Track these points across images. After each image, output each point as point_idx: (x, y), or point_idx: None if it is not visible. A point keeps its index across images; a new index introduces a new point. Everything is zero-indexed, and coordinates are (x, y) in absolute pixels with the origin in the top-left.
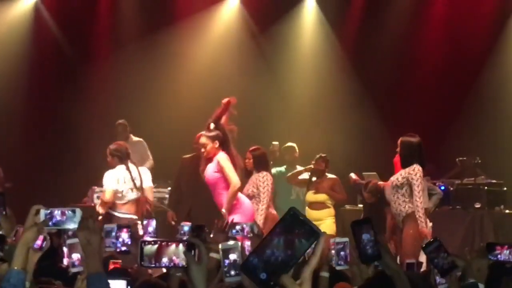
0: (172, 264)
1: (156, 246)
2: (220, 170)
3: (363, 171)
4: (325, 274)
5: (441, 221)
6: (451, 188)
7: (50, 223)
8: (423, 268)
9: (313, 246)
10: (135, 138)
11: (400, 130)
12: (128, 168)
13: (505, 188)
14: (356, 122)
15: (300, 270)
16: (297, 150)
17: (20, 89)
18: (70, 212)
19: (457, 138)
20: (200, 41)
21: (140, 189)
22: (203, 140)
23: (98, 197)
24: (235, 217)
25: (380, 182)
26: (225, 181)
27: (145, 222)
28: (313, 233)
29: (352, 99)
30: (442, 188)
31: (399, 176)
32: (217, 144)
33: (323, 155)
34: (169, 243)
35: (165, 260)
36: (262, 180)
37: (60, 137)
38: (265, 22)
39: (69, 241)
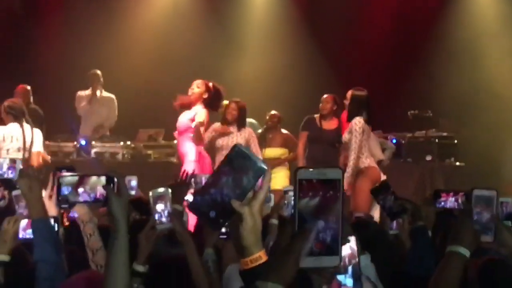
0: (93, 197)
1: (76, 178)
2: (193, 120)
3: None
4: (274, 221)
5: (393, 174)
6: (403, 141)
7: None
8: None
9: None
10: (106, 94)
11: (352, 84)
12: (22, 127)
13: (456, 141)
14: (307, 79)
15: (249, 204)
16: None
17: None
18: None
19: (409, 93)
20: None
21: (29, 150)
22: (198, 82)
23: (49, 153)
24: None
25: None
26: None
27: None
28: (260, 168)
29: (306, 60)
30: (394, 141)
31: (346, 133)
32: (205, 95)
33: (274, 112)
34: (88, 177)
35: (85, 194)
36: (253, 137)
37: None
38: None
39: (14, 193)
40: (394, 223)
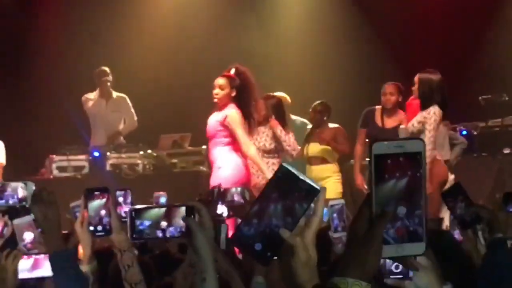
0: (174, 233)
1: (161, 212)
2: (226, 126)
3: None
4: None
5: (465, 171)
6: (475, 133)
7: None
8: (445, 225)
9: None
10: (116, 94)
11: (413, 70)
12: None
13: None
14: (360, 62)
15: (301, 234)
16: (289, 100)
17: None
18: (22, 185)
19: (477, 75)
20: None
21: None
22: (220, 81)
23: (57, 168)
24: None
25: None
26: (226, 134)
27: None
28: (312, 190)
29: (353, 36)
30: (464, 133)
31: (414, 121)
32: (233, 93)
33: (321, 101)
34: (169, 209)
35: (168, 228)
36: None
37: (11, 102)
38: None
39: (15, 222)
40: (457, 232)
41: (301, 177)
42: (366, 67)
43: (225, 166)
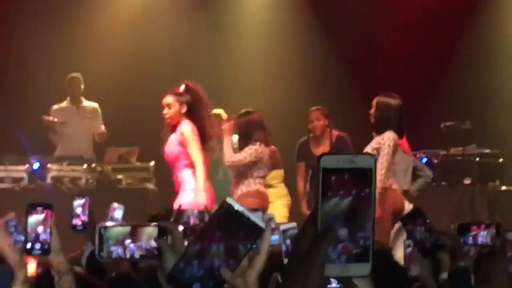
0: (143, 253)
1: (127, 229)
2: (183, 143)
3: None
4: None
5: (424, 200)
6: (435, 161)
7: None
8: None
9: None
10: (87, 103)
11: (375, 94)
12: None
13: (501, 160)
14: (320, 84)
15: (243, 275)
16: (225, 117)
17: None
18: None
19: (440, 101)
20: None
21: None
22: (168, 99)
23: None
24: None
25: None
26: (187, 157)
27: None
28: (257, 228)
29: (314, 56)
30: (425, 160)
31: (369, 147)
32: (184, 109)
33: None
34: (137, 228)
35: (135, 248)
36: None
37: None
38: None
39: None
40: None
41: (246, 214)
42: (328, 86)
43: (198, 189)
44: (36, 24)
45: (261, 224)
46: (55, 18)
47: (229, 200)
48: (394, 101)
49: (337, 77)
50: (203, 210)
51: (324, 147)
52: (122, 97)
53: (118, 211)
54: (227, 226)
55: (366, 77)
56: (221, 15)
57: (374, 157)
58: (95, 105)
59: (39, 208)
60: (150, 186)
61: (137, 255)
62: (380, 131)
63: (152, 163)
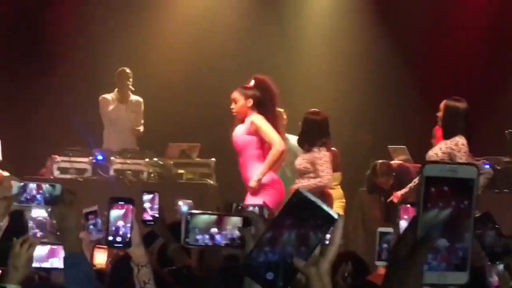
0: (228, 242)
1: (213, 218)
2: (255, 131)
3: (389, 143)
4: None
5: (485, 208)
6: (498, 167)
7: (22, 198)
8: None
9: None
10: (134, 97)
11: (437, 97)
12: None
13: None
14: (383, 85)
15: (316, 264)
16: (285, 116)
17: None
18: (48, 186)
19: (505, 107)
20: None
21: None
22: (234, 94)
23: (59, 168)
24: (265, 199)
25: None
26: (258, 144)
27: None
28: (329, 218)
29: (378, 59)
30: (487, 167)
31: (438, 151)
32: (250, 103)
33: None
34: (223, 217)
35: (220, 236)
36: (319, 156)
37: (14, 93)
38: None
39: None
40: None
41: (318, 204)
42: (391, 88)
43: (268, 183)
44: (102, 23)
45: (334, 214)
46: (121, 16)
47: (302, 190)
48: (462, 105)
49: (400, 78)
50: (263, 205)
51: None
52: (185, 94)
53: (185, 207)
54: (300, 214)
55: (429, 80)
56: (286, 12)
57: (478, 168)
58: (140, 99)
59: (121, 203)
60: (210, 181)
61: (222, 243)
62: (448, 135)
63: (213, 159)
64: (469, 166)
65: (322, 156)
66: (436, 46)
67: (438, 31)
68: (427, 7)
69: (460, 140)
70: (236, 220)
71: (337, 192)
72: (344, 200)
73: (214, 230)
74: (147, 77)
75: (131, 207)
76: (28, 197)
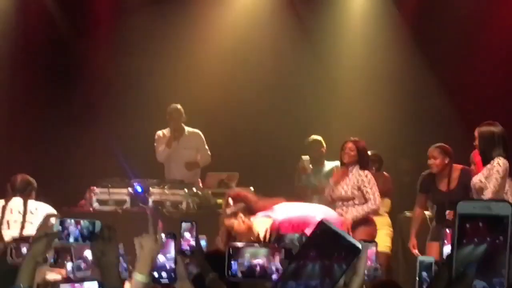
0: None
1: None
2: None
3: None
4: None
5: None
6: None
7: (63, 235)
8: None
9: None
10: (189, 129)
11: (475, 117)
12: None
13: None
14: (419, 108)
15: None
16: (324, 144)
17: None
18: (87, 223)
19: None
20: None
21: None
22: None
23: (98, 200)
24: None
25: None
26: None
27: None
28: (353, 248)
29: (413, 81)
30: None
31: (481, 177)
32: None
33: (372, 152)
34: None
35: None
36: (367, 180)
37: (54, 124)
38: None
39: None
40: None
41: (342, 234)
42: (423, 106)
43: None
44: (141, 55)
45: (358, 244)
46: (159, 50)
47: (325, 221)
48: (496, 129)
49: (436, 104)
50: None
51: (447, 181)
52: (222, 123)
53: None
54: (323, 246)
55: (464, 100)
56: (320, 37)
57: (510, 204)
58: (197, 132)
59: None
60: None
61: (265, 276)
62: (487, 161)
63: (251, 188)
64: (503, 202)
65: (370, 179)
66: (470, 61)
67: (471, 44)
68: (462, 26)
69: (496, 160)
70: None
71: (384, 220)
72: (391, 229)
73: (257, 261)
74: (184, 107)
75: (175, 240)
76: (67, 233)
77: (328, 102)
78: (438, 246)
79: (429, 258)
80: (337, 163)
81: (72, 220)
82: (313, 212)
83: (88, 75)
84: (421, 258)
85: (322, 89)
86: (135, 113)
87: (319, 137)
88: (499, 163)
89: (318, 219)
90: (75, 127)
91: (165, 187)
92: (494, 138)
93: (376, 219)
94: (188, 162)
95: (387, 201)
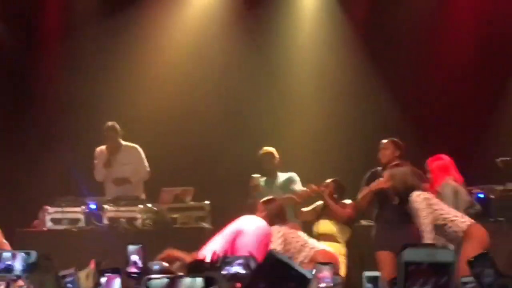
0: None
1: (165, 281)
2: None
3: None
4: None
5: None
6: (492, 196)
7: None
8: None
9: None
10: (126, 144)
11: (428, 132)
12: None
13: None
14: (372, 123)
15: None
16: (277, 156)
17: None
18: (23, 254)
19: (497, 136)
20: (177, 20)
21: None
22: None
23: (52, 220)
24: None
25: None
26: None
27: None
28: (303, 278)
29: (364, 93)
30: (481, 195)
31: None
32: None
33: (333, 179)
34: (180, 278)
35: None
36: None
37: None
38: None
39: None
40: None
41: (291, 265)
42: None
43: None
44: (90, 72)
45: (307, 274)
46: (111, 64)
47: (274, 252)
48: (404, 169)
49: (388, 111)
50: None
51: None
52: (174, 138)
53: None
54: (273, 277)
55: (418, 108)
56: (271, 49)
57: (453, 251)
58: (135, 146)
59: (108, 274)
60: (206, 225)
61: None
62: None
63: (207, 202)
64: (447, 250)
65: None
66: (421, 70)
67: (421, 54)
68: (410, 27)
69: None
70: (196, 282)
71: (341, 248)
72: (346, 259)
73: None
74: (135, 122)
75: (117, 276)
76: (4, 266)
77: (281, 112)
78: (387, 254)
79: (374, 273)
80: (290, 174)
81: (9, 253)
82: (242, 222)
83: (38, 91)
84: (366, 273)
85: (274, 100)
86: (87, 129)
87: (271, 149)
88: (415, 199)
89: (247, 227)
90: (23, 147)
91: (120, 204)
92: (403, 178)
93: (331, 244)
94: (117, 178)
95: (348, 229)
